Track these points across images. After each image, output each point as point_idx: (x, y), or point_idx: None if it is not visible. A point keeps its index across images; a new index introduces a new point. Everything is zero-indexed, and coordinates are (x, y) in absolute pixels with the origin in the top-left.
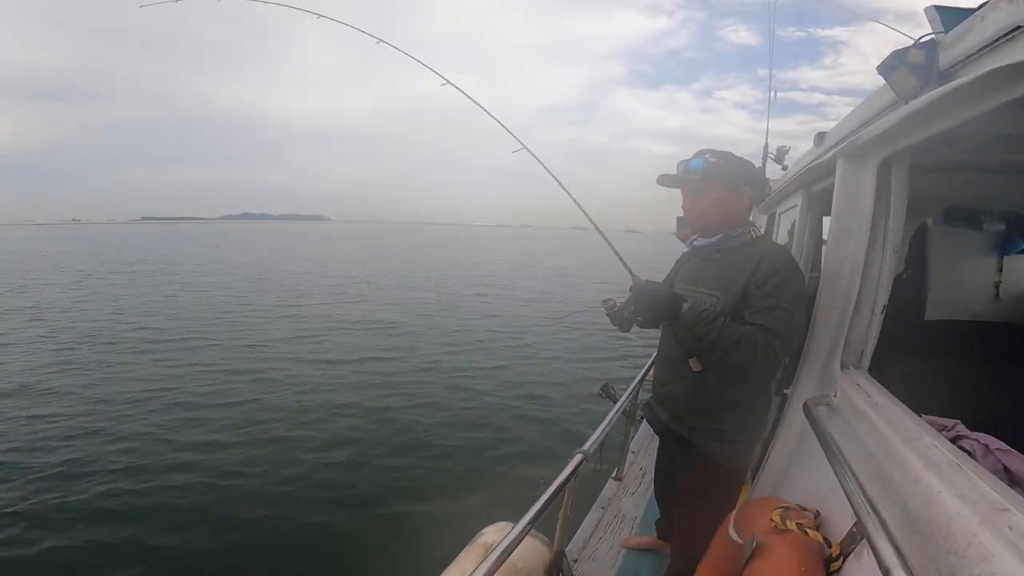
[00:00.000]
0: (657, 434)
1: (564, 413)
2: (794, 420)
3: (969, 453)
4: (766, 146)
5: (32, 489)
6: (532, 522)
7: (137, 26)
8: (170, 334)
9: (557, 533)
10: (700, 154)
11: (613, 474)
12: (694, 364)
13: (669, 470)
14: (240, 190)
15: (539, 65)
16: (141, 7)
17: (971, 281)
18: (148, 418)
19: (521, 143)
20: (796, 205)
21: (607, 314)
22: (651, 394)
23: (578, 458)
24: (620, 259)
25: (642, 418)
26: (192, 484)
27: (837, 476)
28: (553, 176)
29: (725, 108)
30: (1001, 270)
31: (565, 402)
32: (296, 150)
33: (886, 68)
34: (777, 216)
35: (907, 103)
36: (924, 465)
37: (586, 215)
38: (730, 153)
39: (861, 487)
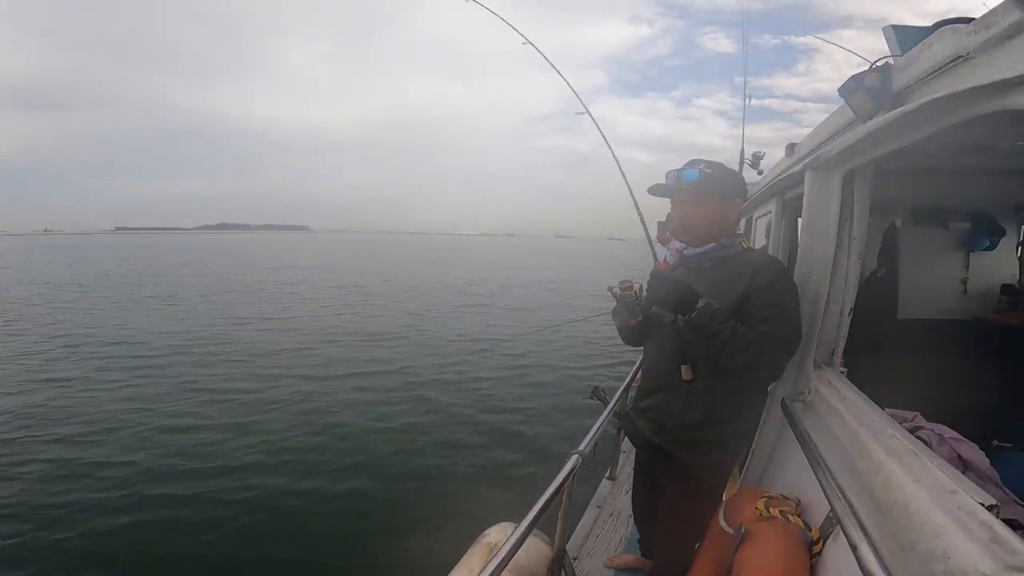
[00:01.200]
0: (636, 447)
1: (555, 418)
2: (775, 415)
3: (926, 443)
4: (742, 152)
5: None
6: (534, 522)
7: (116, 35)
8: (140, 350)
9: (558, 532)
10: (693, 164)
11: (607, 474)
12: (685, 372)
13: (647, 487)
14: (218, 200)
15: (525, 74)
16: None
17: (940, 278)
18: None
19: (585, 108)
20: (771, 211)
21: (618, 296)
22: (631, 405)
23: (575, 459)
24: (650, 243)
25: None
26: (195, 496)
27: (812, 467)
28: (612, 151)
29: (704, 116)
30: (968, 267)
31: (555, 408)
32: (277, 160)
33: (847, 91)
34: (754, 220)
35: (865, 123)
36: (886, 453)
37: (635, 202)
38: (722, 164)
39: (832, 476)
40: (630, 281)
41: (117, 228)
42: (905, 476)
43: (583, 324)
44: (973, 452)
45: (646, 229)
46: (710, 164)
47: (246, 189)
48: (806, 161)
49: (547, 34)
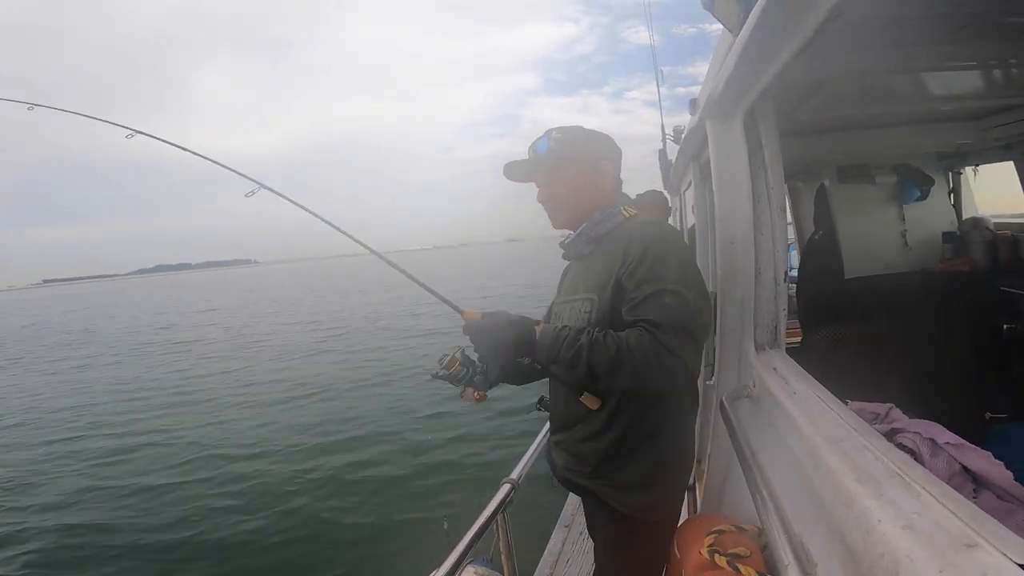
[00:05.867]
0: (559, 481)
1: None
2: (720, 420)
3: (913, 453)
4: (662, 127)
5: None
6: (459, 561)
7: (25, 71)
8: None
9: (504, 569)
10: (547, 133)
11: None
12: (590, 402)
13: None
14: (152, 241)
15: (459, 82)
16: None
17: (879, 234)
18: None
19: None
20: (691, 180)
21: (448, 378)
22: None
23: (506, 488)
24: (437, 295)
25: None
26: None
27: (752, 495)
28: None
29: (636, 108)
30: (904, 219)
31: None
32: (212, 193)
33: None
34: (682, 195)
35: (737, 36)
36: (857, 479)
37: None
38: (579, 126)
39: (778, 508)
40: (449, 354)
41: (45, 281)
42: (889, 520)
43: None
44: (984, 462)
45: (408, 274)
46: (563, 129)
47: (182, 227)
48: (701, 109)
49: (482, 39)
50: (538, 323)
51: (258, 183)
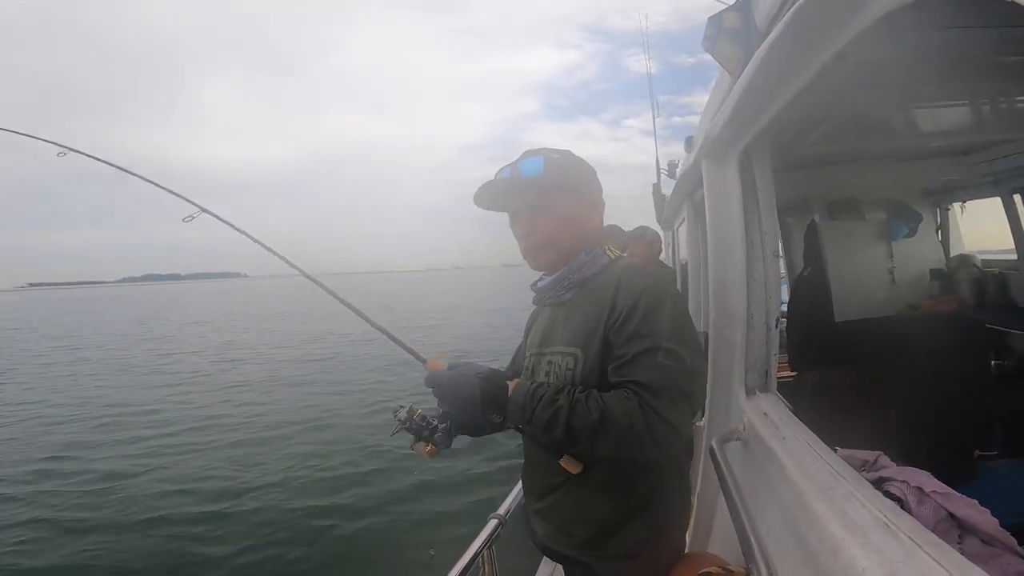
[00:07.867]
0: (540, 551)
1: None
2: (708, 460)
3: (900, 501)
4: (657, 161)
5: None
6: None
7: (22, 71)
8: None
9: None
10: (533, 153)
11: None
12: (569, 465)
13: None
14: (143, 250)
15: (459, 103)
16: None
17: (868, 271)
18: None
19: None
20: (685, 217)
21: (408, 429)
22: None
23: (493, 523)
24: (397, 341)
25: None
26: None
27: (739, 540)
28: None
29: (634, 136)
30: (892, 256)
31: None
32: (205, 204)
33: (709, 41)
34: (675, 231)
35: (737, 79)
36: (843, 526)
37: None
38: (568, 151)
39: (765, 554)
40: (406, 406)
41: (31, 284)
42: (874, 568)
43: None
44: (970, 509)
45: (352, 307)
46: (556, 151)
47: (173, 237)
48: (697, 149)
49: (481, 63)
50: (511, 378)
51: (199, 207)
